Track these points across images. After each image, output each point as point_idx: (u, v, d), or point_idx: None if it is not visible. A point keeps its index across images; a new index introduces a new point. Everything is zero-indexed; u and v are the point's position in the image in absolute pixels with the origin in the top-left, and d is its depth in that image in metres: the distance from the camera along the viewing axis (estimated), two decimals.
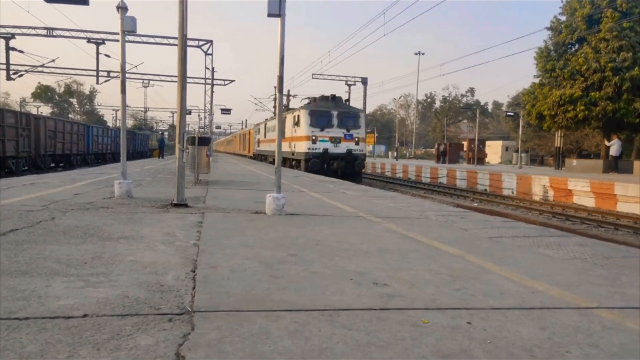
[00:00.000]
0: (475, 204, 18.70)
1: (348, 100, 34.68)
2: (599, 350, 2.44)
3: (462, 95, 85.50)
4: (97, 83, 35.77)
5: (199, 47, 33.12)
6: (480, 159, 37.31)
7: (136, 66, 38.26)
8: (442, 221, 7.01)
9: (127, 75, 9.61)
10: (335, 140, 23.25)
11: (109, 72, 36.64)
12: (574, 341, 2.56)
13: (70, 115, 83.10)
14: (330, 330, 2.58)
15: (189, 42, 27.22)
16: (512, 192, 21.93)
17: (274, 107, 46.97)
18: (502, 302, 3.20)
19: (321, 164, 22.73)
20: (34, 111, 63.27)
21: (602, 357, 2.37)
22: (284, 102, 36.86)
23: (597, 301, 3.30)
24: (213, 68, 34.11)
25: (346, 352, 2.30)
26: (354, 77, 39.99)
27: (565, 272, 4.12)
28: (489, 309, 3.05)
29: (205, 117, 41.98)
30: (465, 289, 3.49)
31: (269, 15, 6.99)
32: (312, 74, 40.30)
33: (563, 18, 29.17)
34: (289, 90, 46.76)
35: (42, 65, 35.69)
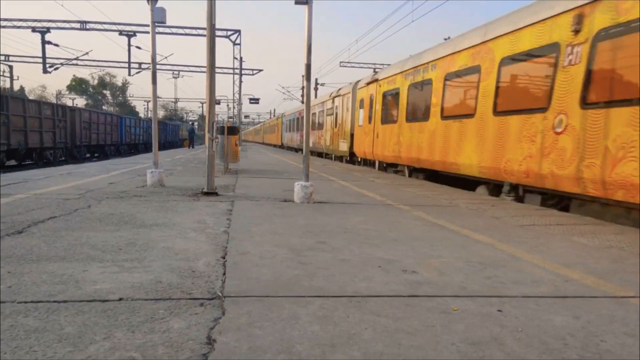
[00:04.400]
0: None
1: None
2: (635, 340, 2.38)
3: None
4: (129, 75, 36.59)
5: (227, 37, 33.37)
6: None
7: (166, 57, 38.93)
8: (472, 209, 6.90)
9: (157, 66, 9.76)
10: None
11: (140, 63, 37.37)
12: (610, 330, 2.49)
13: (104, 107, 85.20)
14: (358, 316, 2.59)
15: (218, 33, 27.46)
16: None
17: (302, 96, 46.99)
18: (534, 290, 3.14)
19: None
20: (69, 103, 65.12)
21: (639, 347, 2.30)
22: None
23: (634, 290, 3.20)
24: (241, 58, 34.35)
25: (375, 338, 2.31)
26: (382, 64, 39.61)
27: (600, 261, 4.01)
28: (521, 297, 3.00)
29: (234, 107, 42.36)
30: (496, 276, 3.44)
31: (297, 2, 6.97)
32: (340, 62, 40.13)
33: None
34: (316, 79, 46.69)
35: (76, 58, 36.71)
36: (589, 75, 6.47)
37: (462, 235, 4.96)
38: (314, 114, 26.25)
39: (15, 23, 31.25)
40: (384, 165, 15.65)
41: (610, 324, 2.59)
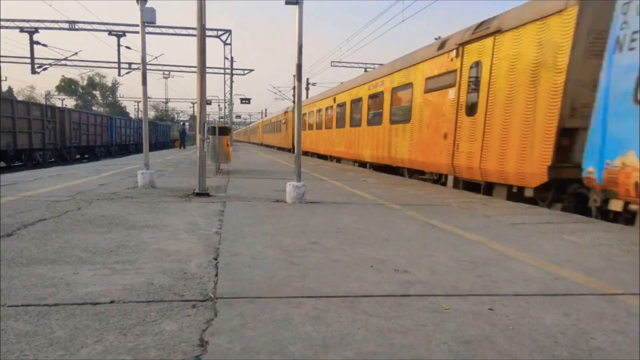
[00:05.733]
0: None
1: None
2: (624, 337, 2.41)
3: None
4: (119, 75, 36.34)
5: (218, 37, 33.27)
6: None
7: (157, 57, 38.73)
8: (464, 208, 6.94)
9: (147, 66, 9.71)
10: None
11: (130, 64, 37.14)
12: (599, 327, 2.52)
13: (93, 108, 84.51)
14: (351, 316, 2.60)
15: (208, 33, 27.42)
16: None
17: (293, 95, 46.94)
18: (525, 289, 3.17)
19: None
20: (58, 104, 64.58)
21: (628, 344, 2.33)
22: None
23: (623, 287, 3.24)
24: (232, 58, 34.26)
25: (367, 338, 2.31)
26: (373, 63, 39.71)
27: (590, 259, 4.05)
28: (512, 296, 3.02)
29: (225, 107, 42.24)
30: (488, 275, 3.47)
31: (287, 3, 6.97)
32: (331, 62, 40.19)
33: None
34: (307, 79, 46.71)
35: (65, 59, 36.39)
36: None
37: (453, 234, 4.98)
38: None
39: (3, 23, 30.92)
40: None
41: (600, 321, 2.62)
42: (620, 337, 2.40)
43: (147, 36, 9.05)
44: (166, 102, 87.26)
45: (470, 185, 9.48)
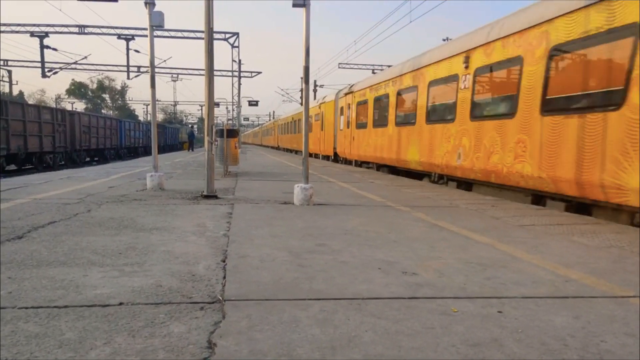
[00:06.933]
0: None
1: None
2: (635, 340, 2.38)
3: None
4: (128, 78, 36.66)
5: (226, 39, 33.42)
6: None
7: (165, 61, 39.01)
8: (472, 209, 6.90)
9: (156, 69, 9.79)
10: None
11: (139, 67, 37.43)
12: (610, 330, 2.49)
13: (103, 111, 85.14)
14: (359, 318, 2.59)
15: (216, 35, 27.53)
16: None
17: (301, 97, 46.96)
18: (534, 291, 3.14)
19: None
20: (68, 107, 65.16)
21: (639, 347, 2.30)
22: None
23: (634, 290, 3.21)
24: (240, 60, 34.39)
25: (375, 340, 2.31)
26: (381, 65, 39.67)
27: (600, 261, 4.01)
28: (521, 298, 3.00)
29: (233, 109, 42.40)
30: (496, 277, 3.44)
31: (294, 5, 6.98)
32: (339, 64, 40.15)
33: None
34: (315, 81, 46.75)
35: (75, 63, 36.73)
36: None
37: (461, 236, 4.96)
38: None
39: (14, 28, 31.29)
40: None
41: (610, 324, 2.59)
42: (631, 340, 2.37)
43: (155, 39, 9.12)
44: (175, 105, 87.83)
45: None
